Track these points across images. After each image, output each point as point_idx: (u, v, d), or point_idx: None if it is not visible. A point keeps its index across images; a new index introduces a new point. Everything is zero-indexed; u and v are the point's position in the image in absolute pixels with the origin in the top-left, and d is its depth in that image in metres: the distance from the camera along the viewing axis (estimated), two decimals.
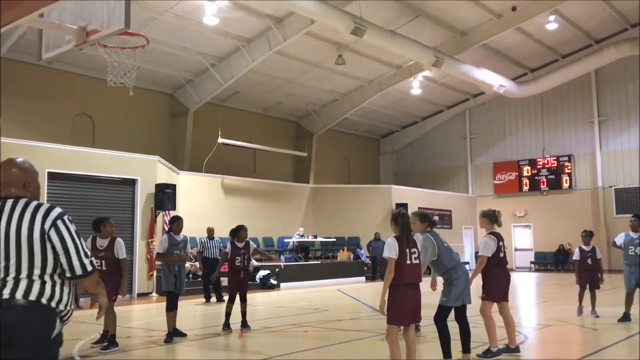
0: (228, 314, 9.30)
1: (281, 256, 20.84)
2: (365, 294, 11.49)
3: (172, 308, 8.37)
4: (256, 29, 19.38)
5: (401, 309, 5.30)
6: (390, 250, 5.30)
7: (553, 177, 27.45)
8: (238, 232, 9.49)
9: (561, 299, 14.26)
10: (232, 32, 19.31)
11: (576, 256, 10.50)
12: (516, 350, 6.91)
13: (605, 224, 25.58)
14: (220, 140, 22.20)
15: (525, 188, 28.18)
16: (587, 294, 10.25)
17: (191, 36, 18.99)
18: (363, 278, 21.11)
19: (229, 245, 9.49)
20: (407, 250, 5.34)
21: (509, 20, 20.85)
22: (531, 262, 27.74)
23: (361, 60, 22.58)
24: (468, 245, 28.37)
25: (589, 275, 10.28)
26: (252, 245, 9.62)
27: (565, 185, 27.10)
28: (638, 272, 9.40)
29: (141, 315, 12.42)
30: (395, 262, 5.28)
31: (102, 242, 7.91)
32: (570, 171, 27.08)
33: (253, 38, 19.80)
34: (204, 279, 14.40)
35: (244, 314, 9.39)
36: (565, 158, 27.24)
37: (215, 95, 21.78)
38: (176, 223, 8.62)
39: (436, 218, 6.38)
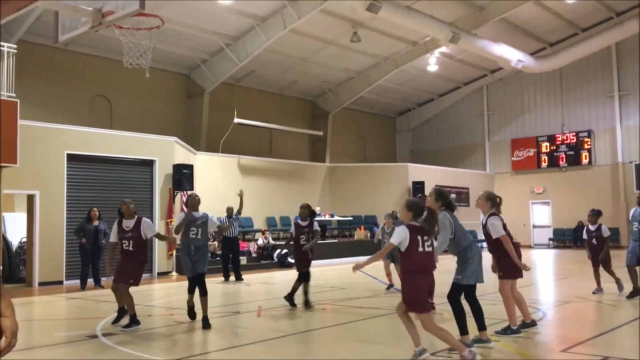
0: (294, 290, 9.34)
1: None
2: (382, 271, 11.56)
3: (191, 291, 7.98)
4: (271, 7, 19.25)
5: (417, 295, 5.35)
6: (398, 237, 5.27)
7: (572, 153, 27.13)
8: (300, 211, 9.49)
9: (580, 276, 14.18)
10: (246, 11, 19.21)
11: (585, 236, 10.52)
12: (532, 324, 6.94)
13: (625, 199, 25.29)
14: (236, 120, 22.24)
15: (544, 164, 27.91)
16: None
17: (206, 16, 18.93)
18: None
19: (292, 225, 9.56)
20: (420, 237, 5.30)
21: None
22: (550, 239, 27.58)
23: (377, 37, 22.37)
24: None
25: (595, 255, 10.19)
26: (315, 224, 9.46)
27: (585, 161, 26.79)
28: (637, 248, 9.41)
29: (161, 294, 12.63)
30: (407, 249, 5.28)
31: (128, 223, 7.91)
32: (589, 147, 26.74)
33: (267, 16, 19.68)
34: (223, 258, 14.55)
35: (306, 292, 9.33)
36: (585, 134, 26.88)
37: (230, 75, 21.76)
38: (189, 199, 8.26)
39: (453, 196, 6.29)
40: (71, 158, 14.39)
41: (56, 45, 17.74)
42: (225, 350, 6.55)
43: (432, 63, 25.28)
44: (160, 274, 15.70)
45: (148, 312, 9.40)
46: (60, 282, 13.85)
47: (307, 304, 9.26)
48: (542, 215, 28.19)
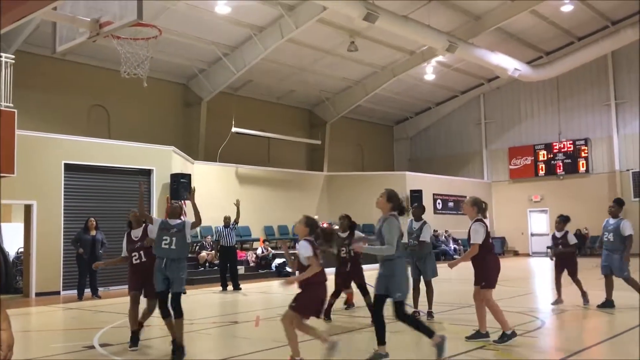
0: (329, 305, 8.56)
1: (297, 244, 20.94)
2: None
3: (165, 314, 6.72)
4: (268, 17, 19.33)
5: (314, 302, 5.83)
6: (305, 251, 5.73)
7: (569, 161, 27.18)
8: (340, 222, 8.82)
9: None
10: (244, 21, 19.28)
11: (550, 243, 10.22)
12: (486, 335, 6.87)
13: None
14: (234, 129, 22.25)
15: (541, 173, 27.95)
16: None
17: (204, 26, 18.99)
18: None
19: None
20: (318, 252, 5.82)
21: (523, 3, 20.58)
22: (548, 247, 27.45)
23: (374, 46, 22.45)
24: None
25: (562, 262, 9.90)
26: (359, 234, 8.68)
27: (582, 169, 26.84)
28: (608, 259, 9.36)
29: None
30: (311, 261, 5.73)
31: (136, 233, 7.25)
32: (586, 155, 26.80)
33: (265, 26, 19.75)
34: (221, 268, 14.51)
35: (370, 306, 8.05)
36: (582, 142, 26.95)
37: (228, 84, 21.80)
38: (170, 207, 7.29)
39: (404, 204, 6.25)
40: (69, 168, 14.38)
41: (54, 56, 17.74)
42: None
43: (429, 72, 25.37)
44: None
45: (146, 322, 9.35)
46: (58, 293, 13.79)
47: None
48: (539, 224, 28.18)
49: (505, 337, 6.64)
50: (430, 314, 8.79)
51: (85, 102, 19.52)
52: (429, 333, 5.88)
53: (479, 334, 6.84)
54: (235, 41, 20.49)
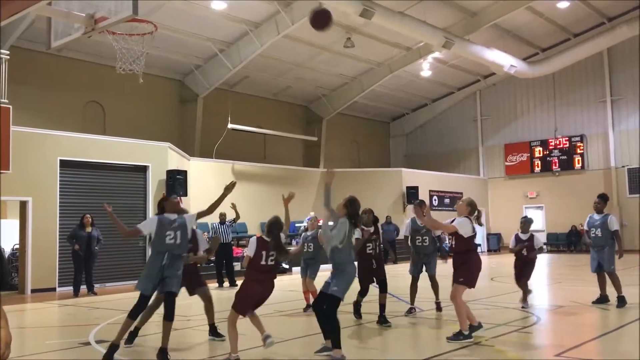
0: (356, 304, 8.43)
1: (293, 241, 20.92)
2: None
3: (135, 314, 6.40)
4: (264, 13, 19.28)
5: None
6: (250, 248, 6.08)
7: (565, 157, 27.24)
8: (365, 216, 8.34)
9: (574, 280, 14.23)
10: (240, 17, 19.22)
11: (512, 244, 9.52)
12: (480, 326, 6.82)
13: (618, 204, 25.39)
14: (230, 125, 22.21)
15: (537, 169, 28.01)
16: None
17: (200, 22, 18.93)
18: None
19: (357, 231, 7.55)
20: (265, 252, 6.03)
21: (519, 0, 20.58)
22: (544, 244, 27.58)
23: (370, 42, 22.42)
24: (479, 227, 28.26)
25: (522, 264, 9.37)
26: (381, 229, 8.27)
27: (578, 165, 26.90)
28: (598, 255, 9.33)
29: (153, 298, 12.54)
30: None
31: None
32: (582, 151, 26.86)
33: (261, 22, 19.70)
34: (217, 264, 14.50)
35: (382, 306, 8.08)
36: (578, 138, 27.00)
37: (224, 80, 21.76)
38: (168, 201, 6.65)
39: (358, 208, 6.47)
40: (64, 164, 14.33)
41: (49, 51, 17.69)
42: (222, 356, 6.51)
43: (425, 68, 25.36)
44: None
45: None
46: (53, 289, 13.76)
47: (357, 312, 8.53)
48: (535, 220, 28.04)
49: (460, 336, 6.59)
50: (438, 306, 8.95)
51: (80, 98, 19.45)
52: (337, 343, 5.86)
53: (473, 328, 6.83)
54: (231, 37, 20.44)
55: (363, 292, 8.39)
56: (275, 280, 6.20)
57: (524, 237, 9.48)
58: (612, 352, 6.45)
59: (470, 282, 6.80)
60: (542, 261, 22.00)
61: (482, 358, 6.05)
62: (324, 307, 6.05)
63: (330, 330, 5.95)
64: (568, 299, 10.35)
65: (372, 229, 8.33)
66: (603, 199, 9.62)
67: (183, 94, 22.45)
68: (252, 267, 6.09)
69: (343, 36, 21.24)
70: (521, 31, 24.55)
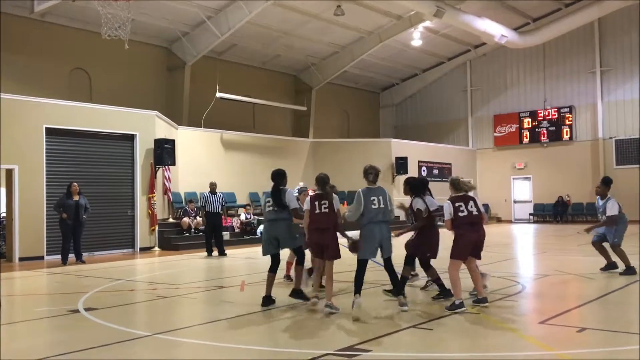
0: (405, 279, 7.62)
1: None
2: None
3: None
4: None
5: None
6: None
7: (554, 128, 27.33)
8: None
9: (559, 250, 14.41)
10: None
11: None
12: (483, 300, 6.90)
13: (605, 175, 25.60)
14: (218, 94, 21.98)
15: (526, 140, 28.11)
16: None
17: None
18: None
19: (419, 201, 7.45)
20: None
21: None
22: (530, 214, 27.91)
23: (360, 10, 22.15)
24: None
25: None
26: (419, 202, 7.65)
27: (566, 136, 27.02)
28: (606, 229, 9.39)
29: (144, 269, 12.59)
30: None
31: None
32: (571, 122, 26.95)
33: None
34: (206, 234, 14.51)
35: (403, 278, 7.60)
36: (567, 109, 27.07)
37: (212, 48, 21.46)
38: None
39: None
40: (50, 132, 14.17)
41: (32, 17, 17.35)
42: (209, 323, 6.55)
43: (416, 38, 25.15)
44: (143, 249, 15.64)
45: (130, 287, 9.37)
46: (41, 258, 13.74)
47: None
48: (523, 191, 28.47)
49: (453, 306, 6.67)
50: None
51: (66, 65, 19.12)
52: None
53: (479, 300, 6.88)
54: (219, 4, 20.08)
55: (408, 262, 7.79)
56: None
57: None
58: (596, 319, 6.56)
59: (456, 256, 6.99)
60: (529, 231, 22.26)
61: (468, 324, 6.13)
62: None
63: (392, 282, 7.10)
64: (553, 268, 10.49)
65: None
66: (605, 182, 9.43)
67: (170, 62, 22.13)
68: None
69: (333, 4, 20.95)
70: (512, 1, 24.34)
